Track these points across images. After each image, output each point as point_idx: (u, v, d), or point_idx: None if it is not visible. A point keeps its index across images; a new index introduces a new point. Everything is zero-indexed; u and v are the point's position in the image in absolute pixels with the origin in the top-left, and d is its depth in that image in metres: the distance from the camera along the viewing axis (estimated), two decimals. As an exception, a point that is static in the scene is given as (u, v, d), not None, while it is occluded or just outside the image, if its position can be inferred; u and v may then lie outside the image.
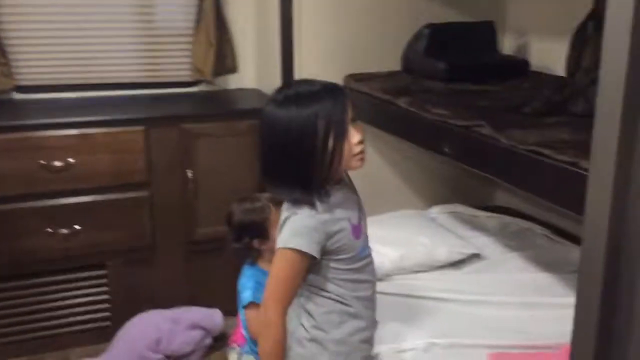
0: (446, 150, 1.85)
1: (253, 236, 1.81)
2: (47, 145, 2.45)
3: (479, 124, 1.72)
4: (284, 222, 1.37)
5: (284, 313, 1.37)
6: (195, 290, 2.79)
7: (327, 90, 1.34)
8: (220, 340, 2.66)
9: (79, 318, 2.65)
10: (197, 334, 2.55)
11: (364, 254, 1.47)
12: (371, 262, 1.51)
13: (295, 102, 1.32)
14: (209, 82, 3.07)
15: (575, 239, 2.46)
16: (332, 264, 1.40)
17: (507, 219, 2.60)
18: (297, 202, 1.36)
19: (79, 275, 2.63)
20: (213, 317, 2.62)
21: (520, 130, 1.61)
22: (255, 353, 1.82)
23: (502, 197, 3.01)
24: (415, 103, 2.03)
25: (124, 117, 2.59)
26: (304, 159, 1.31)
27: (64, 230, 2.53)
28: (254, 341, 1.81)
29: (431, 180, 2.88)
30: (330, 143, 1.29)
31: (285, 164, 1.34)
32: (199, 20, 2.94)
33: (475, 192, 2.95)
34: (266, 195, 1.88)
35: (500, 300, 1.96)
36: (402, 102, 2.08)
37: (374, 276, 1.53)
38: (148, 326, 2.49)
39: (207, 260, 2.78)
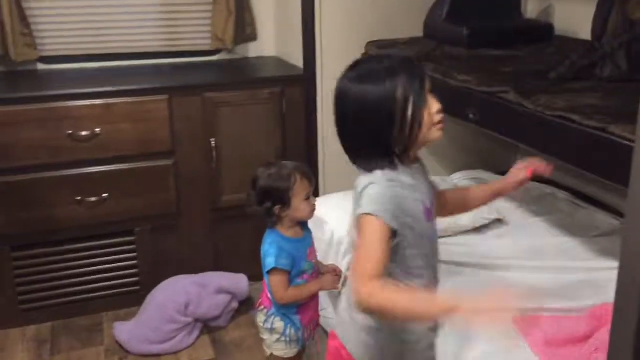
0: (471, 116, 1.86)
1: (276, 202, 1.83)
2: (73, 115, 2.49)
3: (505, 90, 1.73)
4: (363, 190, 1.29)
5: (380, 283, 1.23)
6: (220, 256, 2.85)
7: (402, 64, 1.31)
8: (246, 304, 2.74)
9: (109, 283, 2.73)
10: (224, 298, 2.62)
11: (434, 238, 1.42)
12: (437, 249, 1.45)
13: (370, 77, 1.29)
14: (229, 51, 3.07)
15: (598, 204, 2.47)
16: (402, 242, 1.33)
17: (530, 184, 2.61)
18: (374, 171, 1.31)
19: (108, 241, 2.69)
20: (239, 282, 2.69)
21: (547, 96, 1.61)
22: (282, 314, 1.88)
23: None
24: (439, 69, 2.03)
25: (147, 86, 2.62)
26: (383, 128, 1.28)
27: (92, 199, 2.58)
28: (279, 304, 1.87)
29: (453, 147, 2.88)
30: (410, 111, 1.27)
31: (364, 136, 1.31)
32: (218, -12, 2.93)
33: (496, 158, 2.95)
34: (293, 163, 1.90)
35: (524, 264, 1.99)
36: (426, 68, 2.08)
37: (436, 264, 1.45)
38: (177, 290, 2.56)
39: (232, 227, 2.84)
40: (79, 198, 2.57)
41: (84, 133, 2.50)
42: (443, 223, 2.24)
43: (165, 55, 3.04)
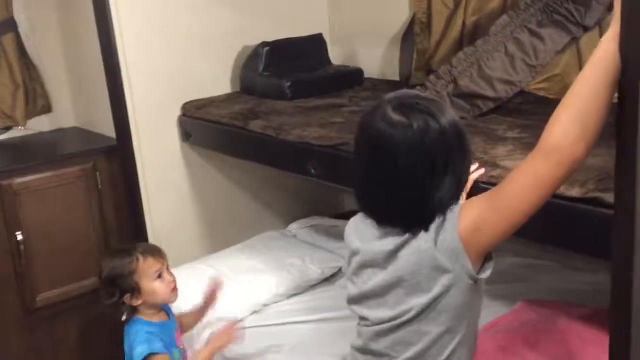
0: (312, 171, 1.82)
1: (124, 291, 1.64)
2: None
3: (344, 142, 1.71)
4: (450, 217, 1.13)
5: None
6: (45, 362, 2.46)
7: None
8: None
9: None
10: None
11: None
12: None
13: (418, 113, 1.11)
14: (21, 127, 2.71)
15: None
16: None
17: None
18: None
19: None
20: (73, 389, 2.33)
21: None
22: None
23: (351, 201, 3.07)
24: (270, 127, 1.96)
25: None
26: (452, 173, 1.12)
27: None
28: None
29: (287, 198, 2.84)
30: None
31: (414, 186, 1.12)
32: (-1, 60, 2.58)
33: (327, 202, 2.97)
34: (136, 245, 1.74)
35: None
36: (255, 126, 2.01)
37: None
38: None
39: (54, 326, 2.47)
40: None
41: None
42: (292, 281, 2.21)
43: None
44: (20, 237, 2.31)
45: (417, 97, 1.17)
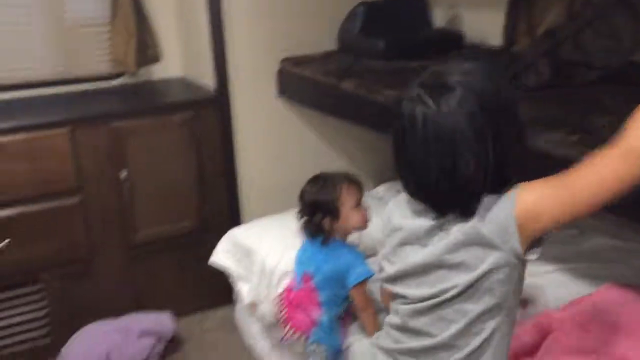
0: (401, 132, 1.81)
1: (324, 214, 1.76)
2: (-42, 158, 2.23)
3: (434, 104, 1.69)
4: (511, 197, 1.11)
5: None
6: (140, 295, 2.65)
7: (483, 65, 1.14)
8: (173, 344, 2.56)
9: (17, 338, 2.46)
10: (148, 341, 2.43)
11: None
12: None
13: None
14: (131, 74, 2.88)
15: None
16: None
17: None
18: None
19: (12, 293, 2.43)
20: (163, 321, 2.51)
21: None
22: (324, 334, 1.78)
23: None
24: (362, 85, 1.97)
25: (44, 120, 2.39)
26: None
27: (-10, 248, 2.32)
28: (330, 327, 1.77)
29: (374, 160, 2.85)
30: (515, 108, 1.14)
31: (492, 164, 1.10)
32: (114, 9, 2.74)
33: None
34: (338, 173, 1.83)
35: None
36: (348, 84, 2.03)
37: None
38: (96, 340, 2.34)
39: (151, 263, 2.65)
40: (-26, 249, 2.30)
41: (-28, 177, 2.25)
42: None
43: (60, 82, 2.79)
44: (124, 176, 2.48)
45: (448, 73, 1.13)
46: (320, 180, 1.82)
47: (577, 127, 1.38)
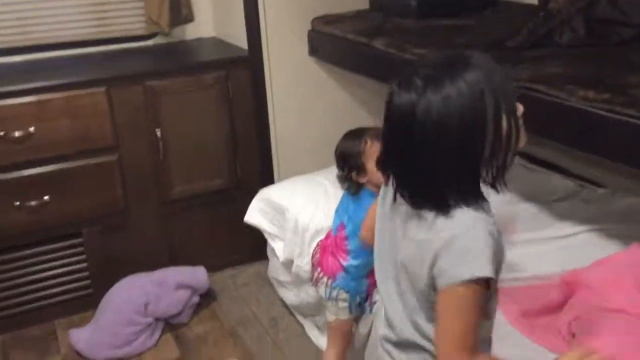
0: (431, 91, 1.82)
1: (351, 168, 1.80)
2: (3, 115, 2.31)
3: (465, 63, 1.69)
4: (451, 241, 1.00)
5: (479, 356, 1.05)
6: (175, 250, 2.74)
7: (476, 59, 1.01)
8: (207, 297, 2.65)
9: (59, 289, 2.58)
10: (184, 293, 2.52)
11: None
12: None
13: (444, 79, 0.98)
14: (165, 34, 2.92)
15: (551, 166, 2.51)
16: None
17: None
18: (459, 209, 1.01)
19: (54, 246, 2.54)
20: (198, 275, 2.59)
21: (508, 66, 1.58)
22: (349, 282, 1.84)
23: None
24: (393, 44, 1.97)
25: (82, 78, 2.45)
26: (475, 146, 0.98)
27: (32, 203, 2.42)
28: (357, 275, 1.83)
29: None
30: (504, 118, 0.99)
31: (444, 162, 1.00)
32: (149, -30, 2.76)
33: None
34: (368, 128, 1.86)
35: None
36: (378, 43, 2.03)
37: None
38: (134, 291, 2.44)
39: (185, 218, 2.73)
40: (18, 203, 2.40)
41: (17, 134, 2.33)
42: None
43: (96, 42, 2.85)
44: (159, 134, 2.55)
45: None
46: (350, 135, 1.85)
47: (609, 85, 1.37)
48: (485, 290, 1.02)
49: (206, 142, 2.65)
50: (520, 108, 1.05)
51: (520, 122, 1.04)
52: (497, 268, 1.03)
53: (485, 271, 0.99)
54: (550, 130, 1.51)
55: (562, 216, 2.07)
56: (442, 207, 1.02)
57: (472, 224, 1.00)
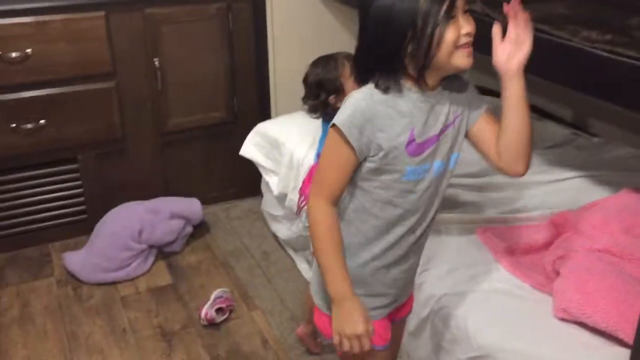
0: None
1: (329, 92, 1.81)
2: (1, 34, 2.28)
3: (471, 0, 1.68)
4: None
5: (327, 208, 1.20)
6: (170, 180, 2.77)
7: None
8: (200, 228, 2.70)
9: (54, 213, 2.62)
10: (178, 223, 2.56)
11: (412, 178, 1.20)
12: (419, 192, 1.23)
13: None
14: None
15: (547, 115, 2.52)
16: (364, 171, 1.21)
17: (480, 98, 2.61)
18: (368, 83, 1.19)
19: (50, 170, 2.56)
20: (192, 206, 2.63)
21: (514, 6, 1.57)
22: None
23: (468, 74, 3.01)
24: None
25: (82, 2, 2.41)
26: (397, 41, 1.12)
27: (29, 125, 2.42)
28: None
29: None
30: (429, 25, 1.10)
31: (376, 49, 1.16)
32: None
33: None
34: (340, 52, 1.86)
35: (483, 181, 2.02)
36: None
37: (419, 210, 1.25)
38: (129, 217, 2.48)
39: (180, 150, 2.75)
40: (14, 125, 2.40)
41: (14, 54, 2.31)
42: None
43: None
44: (157, 64, 2.53)
45: None
46: (321, 61, 1.85)
47: (612, 27, 1.37)
48: (345, 145, 1.16)
49: (204, 75, 2.64)
50: (465, 27, 1.14)
51: (465, 40, 1.14)
52: (365, 140, 1.16)
53: (339, 121, 1.16)
54: (553, 71, 1.51)
55: (554, 162, 2.10)
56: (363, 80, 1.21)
57: (362, 90, 1.19)
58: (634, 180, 1.95)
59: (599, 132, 2.33)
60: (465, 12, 1.15)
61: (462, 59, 1.14)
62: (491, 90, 2.70)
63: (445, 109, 1.21)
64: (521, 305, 1.52)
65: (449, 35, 1.11)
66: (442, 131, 1.21)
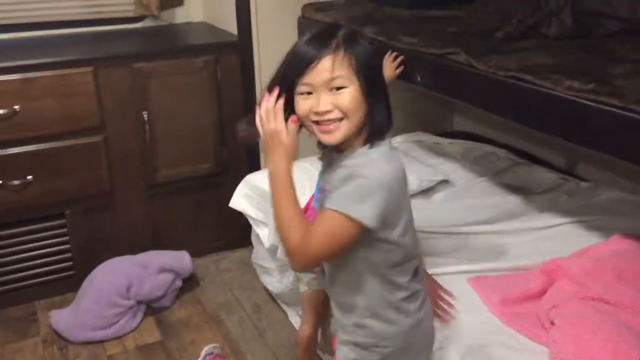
0: (419, 79, 1.83)
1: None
2: (-12, 92, 2.29)
3: (454, 51, 1.70)
4: None
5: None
6: (159, 233, 2.74)
7: (315, 37, 1.18)
8: (189, 282, 2.65)
9: (41, 270, 2.57)
10: (167, 277, 2.51)
11: None
12: None
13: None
14: (154, 17, 2.90)
15: (537, 161, 2.53)
16: None
17: (470, 144, 2.64)
18: None
19: (37, 226, 2.52)
20: (181, 259, 2.59)
21: (497, 56, 1.60)
22: None
23: (460, 122, 3.04)
24: (383, 32, 1.98)
25: (70, 57, 2.43)
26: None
27: (15, 182, 2.40)
28: None
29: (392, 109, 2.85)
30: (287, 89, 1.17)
31: None
32: (139, -49, 2.75)
33: (433, 118, 2.96)
34: None
35: (475, 228, 2.00)
36: (369, 31, 2.03)
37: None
38: (117, 273, 2.43)
39: (169, 202, 2.73)
40: (1, 182, 2.38)
41: (1, 111, 2.30)
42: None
43: (85, 23, 2.83)
44: (145, 117, 2.53)
45: None
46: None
47: (594, 76, 1.39)
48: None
49: (193, 126, 2.64)
50: (316, 107, 1.13)
51: (315, 118, 1.15)
52: None
53: None
54: (537, 120, 1.52)
55: (545, 208, 2.09)
56: None
57: None
58: (624, 224, 1.95)
59: (589, 176, 2.33)
60: (338, 89, 1.13)
61: (319, 134, 1.15)
62: (482, 137, 2.75)
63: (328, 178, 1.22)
64: (519, 358, 1.48)
65: (299, 107, 1.14)
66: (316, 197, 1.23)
